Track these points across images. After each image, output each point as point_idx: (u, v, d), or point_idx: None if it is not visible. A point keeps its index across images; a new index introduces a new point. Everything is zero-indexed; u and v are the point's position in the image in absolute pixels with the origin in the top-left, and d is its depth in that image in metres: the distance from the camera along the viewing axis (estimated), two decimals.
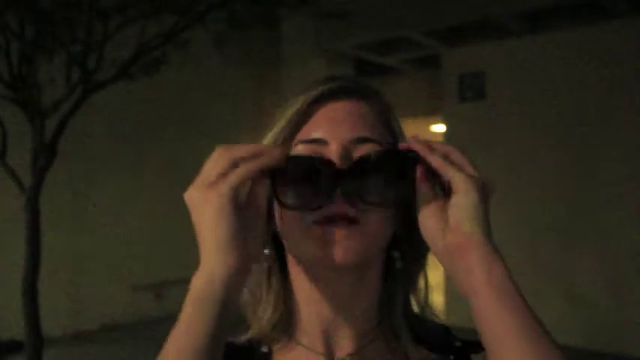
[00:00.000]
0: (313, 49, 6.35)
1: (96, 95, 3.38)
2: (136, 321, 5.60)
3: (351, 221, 0.57)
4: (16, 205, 3.44)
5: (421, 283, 0.68)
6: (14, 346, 4.50)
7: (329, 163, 0.56)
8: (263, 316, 0.64)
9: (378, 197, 0.57)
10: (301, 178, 0.56)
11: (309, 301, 0.63)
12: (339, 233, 0.57)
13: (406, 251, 0.65)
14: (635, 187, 4.78)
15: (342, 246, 0.56)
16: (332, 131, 0.59)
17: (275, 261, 0.65)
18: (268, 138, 0.62)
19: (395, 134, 0.63)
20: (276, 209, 0.60)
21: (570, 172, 5.12)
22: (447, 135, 5.96)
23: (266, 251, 0.63)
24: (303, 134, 0.60)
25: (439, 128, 7.92)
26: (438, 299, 6.37)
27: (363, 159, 0.57)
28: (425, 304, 0.68)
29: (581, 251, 5.05)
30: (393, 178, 0.58)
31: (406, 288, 0.67)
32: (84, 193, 5.45)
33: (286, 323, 0.65)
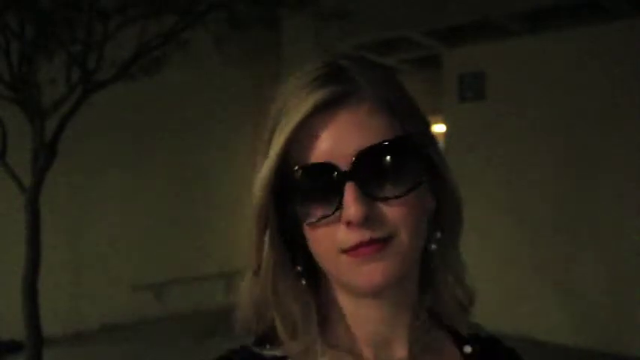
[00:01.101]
0: (313, 49, 6.35)
1: (96, 95, 3.38)
2: (136, 321, 5.60)
3: (379, 242, 0.55)
4: (16, 205, 3.44)
5: (457, 263, 0.67)
6: (14, 346, 4.50)
7: (331, 166, 0.54)
8: (293, 329, 0.60)
9: (391, 190, 0.55)
10: (310, 191, 0.55)
11: (353, 319, 0.62)
12: (370, 257, 0.55)
13: (440, 228, 0.65)
14: (635, 187, 4.77)
15: (375, 270, 0.55)
16: (339, 148, 0.55)
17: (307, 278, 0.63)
18: (267, 164, 0.57)
19: (405, 120, 0.59)
20: (306, 232, 0.58)
21: (570, 172, 5.12)
22: (447, 135, 5.96)
23: (299, 268, 0.61)
24: (301, 156, 0.56)
25: (439, 128, 7.92)
26: None
27: (365, 153, 0.54)
28: (461, 287, 0.67)
29: (581, 251, 5.05)
30: (400, 167, 0.56)
31: (444, 269, 0.66)
32: (84, 193, 5.45)
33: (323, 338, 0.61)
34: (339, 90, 0.56)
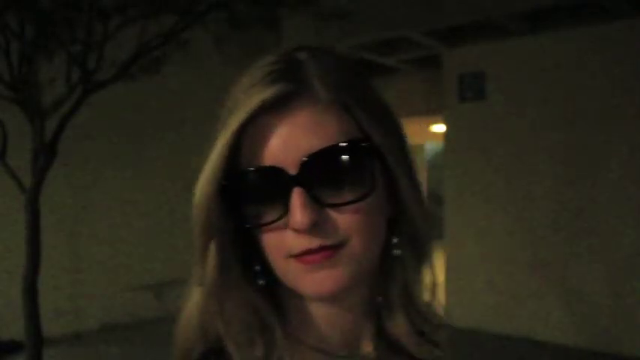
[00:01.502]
0: None
1: (96, 95, 3.38)
2: (136, 321, 5.60)
3: (329, 249, 0.52)
4: (16, 205, 3.44)
5: (425, 277, 0.62)
6: (14, 346, 4.50)
7: (278, 170, 0.51)
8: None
9: (341, 197, 0.52)
10: (257, 194, 0.53)
11: (312, 319, 0.59)
12: (319, 265, 0.52)
13: (401, 238, 0.60)
14: (635, 187, 4.77)
15: (325, 277, 0.52)
16: (287, 151, 0.51)
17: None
18: (209, 167, 0.53)
19: (364, 123, 0.54)
20: (255, 234, 0.56)
21: (570, 171, 5.12)
22: (447, 135, 5.96)
23: (257, 267, 0.58)
24: (249, 157, 0.53)
25: (439, 128, 7.91)
26: (437, 299, 6.37)
27: (314, 157, 0.51)
28: (414, 307, 0.61)
29: (581, 251, 5.05)
30: (352, 173, 0.52)
31: (404, 278, 0.61)
32: (84, 193, 5.45)
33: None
34: (290, 88, 0.52)
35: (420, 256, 0.61)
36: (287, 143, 0.51)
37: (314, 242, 0.51)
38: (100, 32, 3.27)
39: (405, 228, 0.59)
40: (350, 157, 0.52)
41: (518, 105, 5.42)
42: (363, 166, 0.53)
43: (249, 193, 0.53)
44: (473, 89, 5.66)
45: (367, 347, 0.61)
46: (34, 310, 3.17)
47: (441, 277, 6.35)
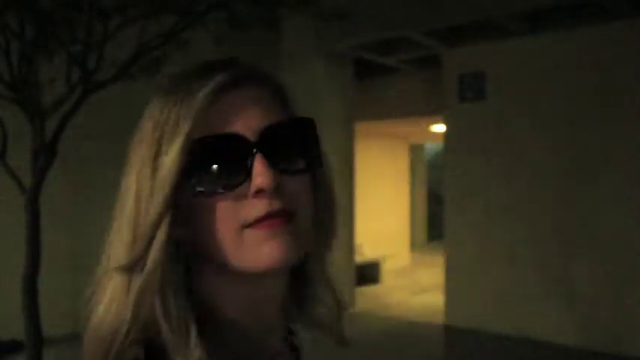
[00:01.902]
0: (313, 49, 6.35)
1: (96, 95, 3.38)
2: None
3: (287, 214, 0.54)
4: (16, 205, 3.44)
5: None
6: (14, 346, 4.51)
7: (240, 137, 0.54)
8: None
9: (295, 165, 0.56)
10: (216, 163, 0.54)
11: (234, 309, 0.58)
12: (276, 231, 0.54)
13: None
14: (635, 188, 4.78)
15: (279, 245, 0.54)
16: (245, 124, 0.55)
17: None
18: (177, 144, 0.53)
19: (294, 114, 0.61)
20: (196, 214, 0.55)
21: (570, 171, 5.12)
22: (447, 135, 5.97)
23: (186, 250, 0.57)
24: (209, 128, 0.54)
25: (439, 128, 7.92)
26: (438, 299, 6.38)
27: (272, 127, 0.55)
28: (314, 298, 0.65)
29: (581, 251, 5.05)
30: (303, 146, 0.58)
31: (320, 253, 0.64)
32: (84, 193, 5.45)
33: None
34: (242, 72, 0.57)
35: (329, 231, 0.64)
36: (247, 115, 0.55)
37: (275, 204, 0.53)
38: (100, 32, 3.26)
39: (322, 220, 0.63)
40: (303, 132, 0.58)
41: (518, 105, 5.42)
42: (312, 142, 0.59)
43: (208, 160, 0.53)
44: (473, 89, 5.66)
45: (278, 343, 0.63)
46: (34, 310, 3.17)
47: (441, 277, 6.37)
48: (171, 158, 0.53)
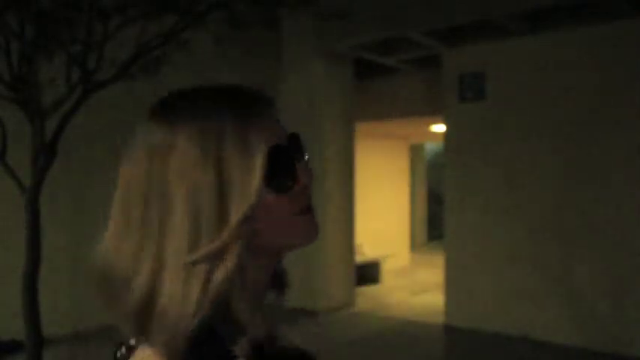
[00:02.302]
0: (313, 49, 6.35)
1: (96, 95, 3.38)
2: None
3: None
4: (16, 205, 3.44)
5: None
6: (14, 346, 4.51)
7: (285, 147, 0.67)
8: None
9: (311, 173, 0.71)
10: (277, 167, 0.65)
11: (255, 291, 0.67)
12: (314, 218, 0.70)
13: None
14: (635, 188, 4.78)
15: (317, 227, 0.70)
16: (281, 137, 0.68)
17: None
18: (261, 151, 0.64)
19: None
20: (260, 208, 0.64)
21: (570, 171, 5.13)
22: (446, 135, 5.97)
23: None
24: (267, 138, 0.65)
25: (439, 128, 7.92)
26: (438, 299, 6.38)
27: (293, 135, 0.70)
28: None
29: (581, 251, 5.06)
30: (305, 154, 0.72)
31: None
32: (84, 193, 5.46)
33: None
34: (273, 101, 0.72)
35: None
36: (280, 130, 0.69)
37: (310, 196, 0.70)
38: (100, 32, 3.26)
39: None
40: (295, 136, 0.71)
41: (518, 105, 5.42)
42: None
43: (275, 165, 0.65)
44: (473, 89, 5.66)
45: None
46: (34, 310, 3.17)
47: (441, 277, 6.37)
48: (260, 164, 0.63)
